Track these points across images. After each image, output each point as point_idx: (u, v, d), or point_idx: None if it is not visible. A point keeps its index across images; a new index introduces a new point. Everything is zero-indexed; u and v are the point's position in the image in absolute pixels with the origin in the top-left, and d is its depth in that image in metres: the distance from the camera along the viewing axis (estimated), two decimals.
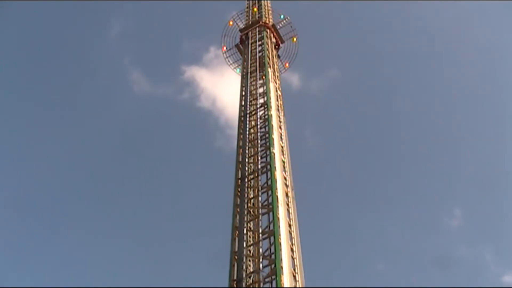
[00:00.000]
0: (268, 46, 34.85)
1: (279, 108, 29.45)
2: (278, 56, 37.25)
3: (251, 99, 29.96)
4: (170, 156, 72.31)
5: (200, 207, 62.78)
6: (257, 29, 36.98)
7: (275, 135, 26.06)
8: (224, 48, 39.88)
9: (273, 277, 19.03)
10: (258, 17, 38.51)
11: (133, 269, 57.20)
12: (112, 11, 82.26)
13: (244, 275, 19.94)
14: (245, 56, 35.23)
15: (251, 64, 33.37)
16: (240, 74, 34.78)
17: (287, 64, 38.58)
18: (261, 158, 25.27)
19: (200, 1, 70.84)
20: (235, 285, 19.67)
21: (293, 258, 20.36)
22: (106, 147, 69.59)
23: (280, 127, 27.58)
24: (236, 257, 20.72)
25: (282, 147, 26.12)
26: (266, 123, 26.98)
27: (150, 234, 63.16)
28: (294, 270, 19.98)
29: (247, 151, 26.01)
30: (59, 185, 66.28)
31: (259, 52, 34.37)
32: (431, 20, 76.17)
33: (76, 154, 67.19)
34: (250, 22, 38.43)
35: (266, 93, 29.24)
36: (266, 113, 27.79)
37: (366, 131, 72.03)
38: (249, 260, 20.86)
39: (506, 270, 58.37)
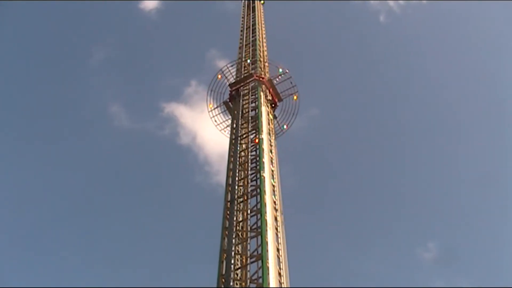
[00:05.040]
0: (262, 103, 30.55)
1: (270, 132, 29.48)
2: (275, 117, 32.91)
3: (243, 122, 29.90)
4: (148, 191, 71.98)
5: (183, 235, 62.93)
6: (251, 84, 32.59)
7: (266, 159, 26.08)
8: (211, 105, 34.94)
9: None
10: (253, 70, 34.01)
11: None
12: (95, 41, 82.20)
13: None
14: (235, 114, 31.14)
15: (241, 124, 29.57)
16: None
17: (285, 126, 33.87)
18: (251, 181, 25.32)
19: (183, 35, 71.18)
20: None
21: (280, 283, 20.27)
22: (88, 179, 69.31)
23: (271, 151, 27.59)
24: (223, 280, 20.65)
25: (273, 171, 26.13)
26: (257, 147, 27.02)
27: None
28: None
29: (237, 174, 26.00)
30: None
31: (252, 110, 30.45)
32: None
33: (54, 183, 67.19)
34: (242, 76, 33.93)
35: (257, 116, 29.25)
36: (257, 136, 27.84)
37: (343, 169, 72.85)
38: (236, 284, 20.77)
39: None
